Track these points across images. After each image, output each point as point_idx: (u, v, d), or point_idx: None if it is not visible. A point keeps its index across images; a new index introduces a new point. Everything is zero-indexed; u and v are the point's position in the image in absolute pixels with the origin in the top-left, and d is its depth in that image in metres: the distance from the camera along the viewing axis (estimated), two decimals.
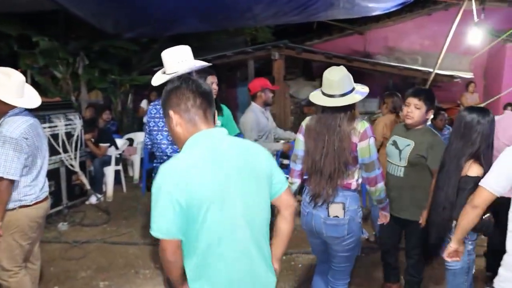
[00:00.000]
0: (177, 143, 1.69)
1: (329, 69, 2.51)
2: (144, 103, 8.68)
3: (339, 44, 11.32)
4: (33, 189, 2.78)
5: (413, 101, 2.95)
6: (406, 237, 3.23)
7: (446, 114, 6.53)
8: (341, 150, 2.38)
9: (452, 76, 9.50)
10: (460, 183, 2.46)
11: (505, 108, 7.81)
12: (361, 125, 2.41)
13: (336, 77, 2.41)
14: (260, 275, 1.67)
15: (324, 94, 2.47)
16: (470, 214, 2.19)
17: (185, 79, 1.67)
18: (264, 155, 1.73)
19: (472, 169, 2.43)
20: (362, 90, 2.49)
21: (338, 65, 2.56)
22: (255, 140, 3.87)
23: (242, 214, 1.59)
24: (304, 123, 2.66)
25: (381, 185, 2.54)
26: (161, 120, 2.94)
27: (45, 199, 2.92)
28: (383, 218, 2.88)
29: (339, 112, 2.42)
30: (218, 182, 1.55)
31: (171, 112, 1.64)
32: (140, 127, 8.90)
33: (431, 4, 10.66)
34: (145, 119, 8.78)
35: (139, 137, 7.57)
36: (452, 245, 2.35)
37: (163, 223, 1.51)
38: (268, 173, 1.71)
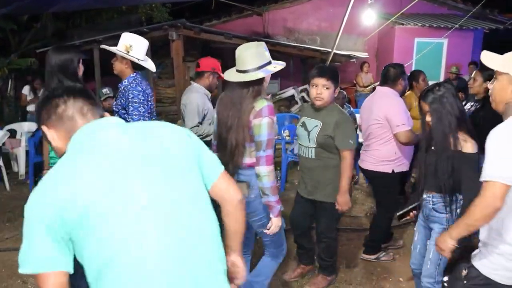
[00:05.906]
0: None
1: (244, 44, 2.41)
2: (26, 90, 7.84)
3: (238, 25, 11.17)
4: None
5: (320, 81, 2.84)
6: (316, 219, 3.20)
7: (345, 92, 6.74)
8: (241, 128, 2.33)
9: (349, 56, 9.84)
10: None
11: None
12: (259, 104, 2.31)
13: (241, 53, 2.34)
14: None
15: (237, 70, 2.38)
16: (490, 214, 1.70)
17: (53, 89, 1.38)
18: (181, 133, 1.42)
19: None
20: (270, 68, 2.36)
21: (237, 45, 2.42)
22: (198, 126, 3.46)
23: (156, 214, 1.23)
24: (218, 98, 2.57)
25: (264, 169, 2.32)
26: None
27: None
28: (272, 223, 2.45)
29: (243, 88, 2.34)
30: (104, 180, 1.20)
31: (44, 128, 1.35)
32: (24, 116, 7.98)
33: None
34: (30, 108, 7.93)
35: (23, 127, 6.80)
36: (449, 240, 1.93)
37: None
38: (192, 155, 1.39)
